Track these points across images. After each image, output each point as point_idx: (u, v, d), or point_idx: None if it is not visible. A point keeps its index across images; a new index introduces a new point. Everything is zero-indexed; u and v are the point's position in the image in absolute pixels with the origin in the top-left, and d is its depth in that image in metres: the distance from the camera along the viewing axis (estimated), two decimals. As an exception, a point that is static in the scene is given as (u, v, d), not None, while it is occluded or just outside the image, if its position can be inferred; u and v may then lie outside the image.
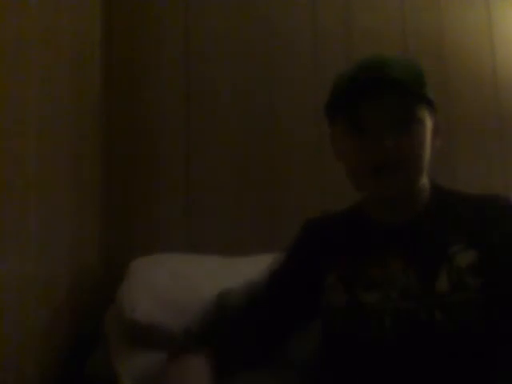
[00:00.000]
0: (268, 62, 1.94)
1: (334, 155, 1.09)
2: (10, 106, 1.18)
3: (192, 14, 1.95)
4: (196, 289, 1.48)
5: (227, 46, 1.94)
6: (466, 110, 1.92)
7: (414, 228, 1.01)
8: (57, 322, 1.45)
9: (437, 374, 0.90)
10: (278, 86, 1.92)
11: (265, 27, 1.95)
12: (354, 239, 1.05)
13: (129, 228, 1.84)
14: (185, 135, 1.90)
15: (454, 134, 1.91)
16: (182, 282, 1.51)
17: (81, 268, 1.63)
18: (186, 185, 1.87)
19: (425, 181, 1.04)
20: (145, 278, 1.52)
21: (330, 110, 1.04)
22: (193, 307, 1.41)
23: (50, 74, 1.41)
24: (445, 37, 1.97)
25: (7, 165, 1.16)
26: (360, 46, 1.93)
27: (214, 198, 1.86)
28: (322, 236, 1.10)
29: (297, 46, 1.95)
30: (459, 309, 0.90)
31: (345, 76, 1.00)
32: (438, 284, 0.92)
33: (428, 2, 2.00)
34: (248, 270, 1.48)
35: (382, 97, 0.96)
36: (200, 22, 1.95)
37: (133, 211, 1.86)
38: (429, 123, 1.00)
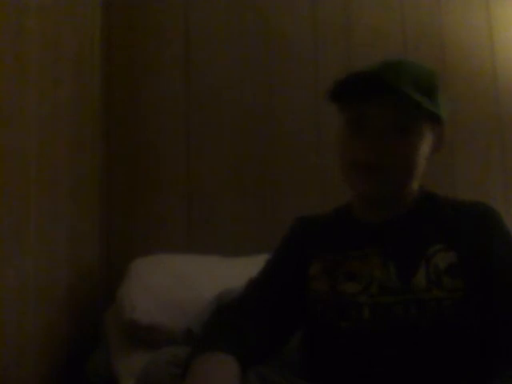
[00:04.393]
0: (268, 61, 1.94)
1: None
2: (10, 107, 1.18)
3: (192, 15, 1.95)
4: (196, 289, 1.48)
5: (227, 45, 1.94)
6: (466, 110, 1.92)
7: (395, 226, 1.03)
8: (57, 322, 1.45)
9: (411, 368, 0.92)
10: (277, 86, 1.92)
11: (265, 27, 1.95)
12: (337, 235, 1.08)
13: (129, 228, 1.85)
14: (185, 135, 1.90)
15: (453, 134, 1.91)
16: (181, 281, 1.51)
17: (81, 268, 1.63)
18: (186, 185, 1.87)
19: (414, 186, 1.05)
20: (145, 277, 1.52)
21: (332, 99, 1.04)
22: (193, 307, 1.41)
23: (49, 74, 1.41)
24: (445, 37, 1.97)
25: (8, 165, 1.17)
26: (360, 45, 1.93)
27: (214, 198, 1.86)
28: (308, 231, 1.13)
29: (297, 46, 1.95)
30: (434, 306, 0.93)
31: (353, 72, 1.00)
32: (416, 280, 0.95)
33: (428, 1, 2.00)
34: (248, 269, 1.48)
35: (383, 99, 0.97)
36: (200, 23, 1.95)
37: (133, 211, 1.86)
38: (428, 135, 1.01)
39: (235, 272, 1.52)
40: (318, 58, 1.94)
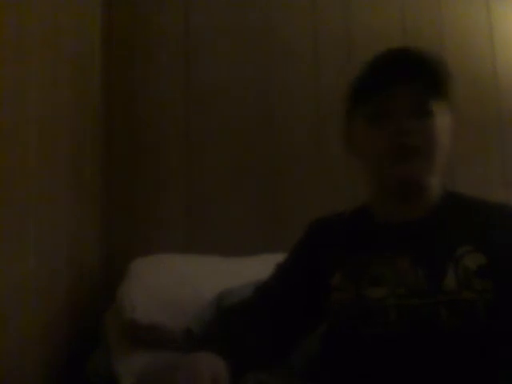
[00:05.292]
0: (268, 61, 1.94)
1: (351, 153, 1.09)
2: (10, 107, 1.18)
3: (192, 15, 1.95)
4: (196, 289, 1.48)
5: (227, 46, 1.94)
6: (466, 109, 1.92)
7: (422, 227, 1.01)
8: (57, 321, 1.45)
9: (440, 371, 0.90)
10: (278, 86, 1.92)
11: (265, 27, 1.95)
12: (360, 239, 1.05)
13: (129, 228, 1.85)
14: (185, 135, 1.90)
15: (453, 134, 1.91)
16: (182, 281, 1.51)
17: (81, 268, 1.63)
18: (186, 185, 1.87)
19: (439, 178, 1.04)
20: (145, 277, 1.52)
21: (353, 99, 1.05)
22: (193, 307, 1.41)
23: (50, 74, 1.41)
24: (445, 37, 1.97)
25: (8, 165, 1.16)
26: (360, 45, 1.93)
27: (214, 198, 1.86)
28: (327, 235, 1.10)
29: (297, 47, 1.95)
30: (464, 307, 0.91)
31: (373, 62, 1.02)
32: (446, 282, 0.93)
33: (428, 1, 2.00)
34: (248, 270, 1.49)
35: (406, 85, 0.99)
36: (200, 22, 1.95)
37: (133, 211, 1.86)
38: (447, 120, 1.03)
39: (235, 272, 1.52)
40: (318, 58, 1.94)
